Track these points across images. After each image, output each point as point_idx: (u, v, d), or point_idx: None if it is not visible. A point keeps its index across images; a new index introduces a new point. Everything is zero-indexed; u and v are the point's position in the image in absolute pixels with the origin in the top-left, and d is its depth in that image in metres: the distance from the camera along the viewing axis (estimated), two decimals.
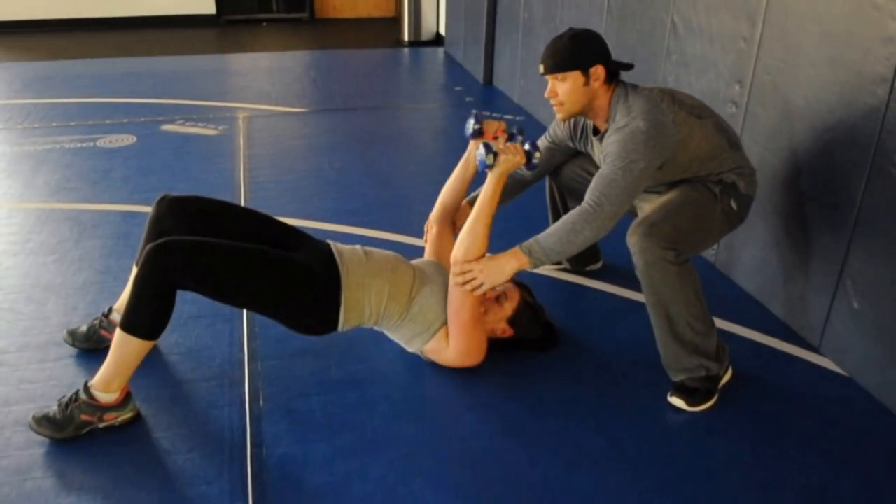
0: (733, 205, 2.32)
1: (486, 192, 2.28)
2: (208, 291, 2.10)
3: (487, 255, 2.26)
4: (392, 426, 2.18)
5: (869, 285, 2.31)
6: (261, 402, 2.26)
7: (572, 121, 2.49)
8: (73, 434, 2.07)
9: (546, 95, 2.28)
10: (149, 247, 2.04)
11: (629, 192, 2.14)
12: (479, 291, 2.23)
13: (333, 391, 2.31)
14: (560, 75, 2.21)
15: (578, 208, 2.17)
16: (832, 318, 2.48)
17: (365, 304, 2.25)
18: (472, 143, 2.53)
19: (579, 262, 3.01)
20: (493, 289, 2.34)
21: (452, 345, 2.30)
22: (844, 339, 2.44)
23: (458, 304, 2.25)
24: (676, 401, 2.28)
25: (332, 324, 2.25)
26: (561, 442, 2.13)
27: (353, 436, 2.14)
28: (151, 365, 2.37)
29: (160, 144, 4.58)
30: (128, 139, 4.65)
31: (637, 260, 2.17)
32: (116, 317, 2.44)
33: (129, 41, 7.82)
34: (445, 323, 2.30)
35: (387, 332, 2.38)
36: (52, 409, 2.09)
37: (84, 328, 2.49)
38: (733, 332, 2.64)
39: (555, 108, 2.29)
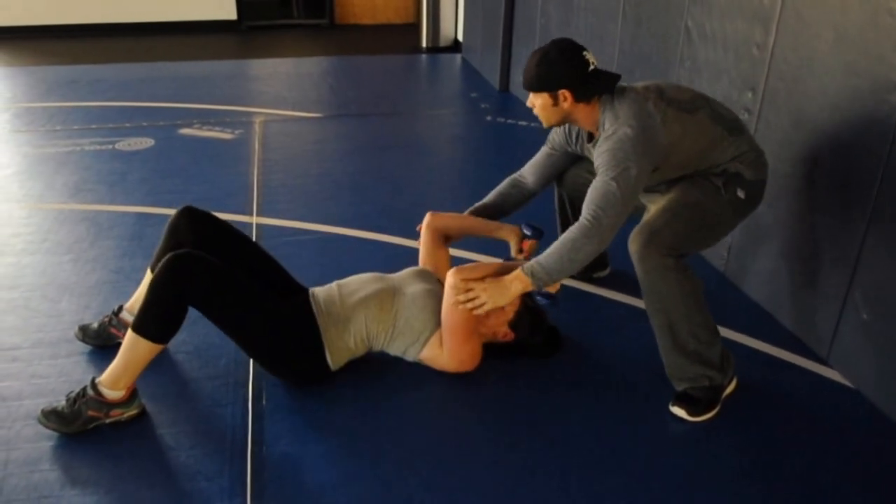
0: (740, 194, 2.26)
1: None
2: (210, 313, 2.15)
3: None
4: (391, 429, 2.19)
5: (878, 297, 2.29)
6: (263, 402, 2.28)
7: (567, 127, 2.49)
8: (80, 429, 2.11)
9: (528, 104, 2.31)
10: (170, 254, 2.09)
11: (625, 201, 2.12)
12: (482, 311, 2.23)
13: (335, 393, 2.32)
14: (532, 93, 2.25)
15: (576, 224, 2.15)
16: (841, 330, 2.45)
17: (348, 338, 2.29)
18: (516, 234, 2.59)
19: (586, 269, 2.99)
20: None
21: (446, 352, 2.31)
22: (853, 351, 2.42)
23: (450, 313, 2.26)
24: (678, 410, 2.26)
25: (322, 368, 2.29)
26: (560, 449, 2.13)
27: (351, 437, 2.15)
28: (159, 362, 2.39)
29: (177, 148, 4.63)
30: (146, 142, 4.71)
31: (637, 267, 2.17)
32: (126, 315, 2.49)
33: (151, 46, 7.92)
34: (436, 329, 2.32)
35: (384, 350, 2.40)
36: (61, 403, 2.13)
37: (95, 325, 2.53)
38: (741, 343, 2.63)
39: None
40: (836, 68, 2.38)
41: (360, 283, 2.40)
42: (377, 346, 2.36)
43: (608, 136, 2.16)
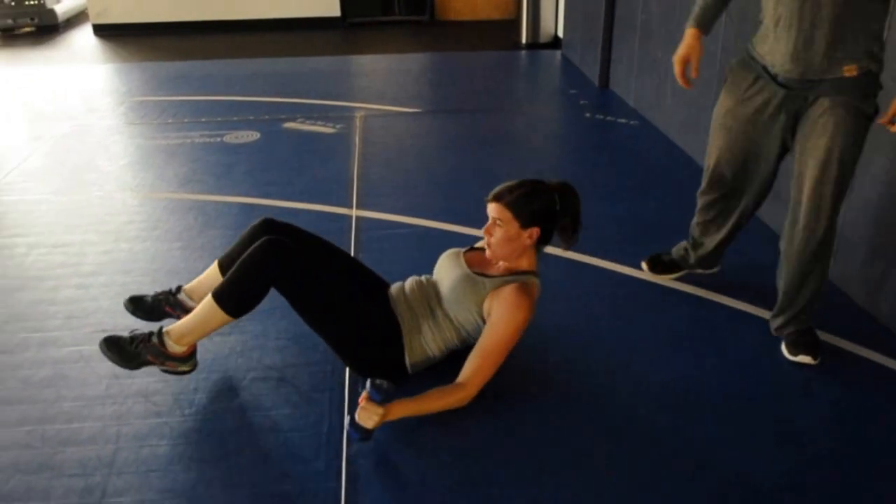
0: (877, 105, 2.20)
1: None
2: (295, 299, 2.22)
3: None
4: (483, 429, 2.19)
5: None
6: (359, 389, 2.31)
7: None
8: (134, 368, 2.23)
9: None
10: (266, 238, 2.18)
11: None
12: None
13: (433, 382, 2.30)
14: None
15: None
16: None
17: (424, 345, 2.30)
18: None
19: (697, 263, 2.89)
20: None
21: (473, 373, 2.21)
22: None
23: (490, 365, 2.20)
24: (804, 358, 2.41)
25: (400, 369, 2.30)
26: (669, 460, 2.10)
27: (443, 429, 2.16)
28: (262, 347, 2.52)
29: (281, 141, 4.78)
30: (252, 136, 4.87)
31: (812, 236, 2.32)
32: (184, 297, 2.51)
33: (258, 43, 8.19)
34: (483, 300, 2.22)
35: (468, 340, 2.32)
36: (125, 336, 2.23)
37: (149, 299, 2.52)
38: (847, 349, 2.52)
39: None
40: None
41: (424, 292, 2.37)
42: (455, 344, 2.32)
43: None
